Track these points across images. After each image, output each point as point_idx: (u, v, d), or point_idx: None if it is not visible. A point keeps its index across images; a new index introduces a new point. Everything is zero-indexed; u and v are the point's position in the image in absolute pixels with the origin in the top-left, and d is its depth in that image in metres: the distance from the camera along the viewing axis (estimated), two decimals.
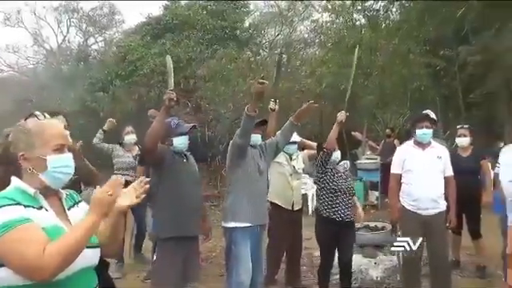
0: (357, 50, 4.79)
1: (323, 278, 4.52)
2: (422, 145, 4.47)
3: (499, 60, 11.46)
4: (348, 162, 10.85)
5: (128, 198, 1.80)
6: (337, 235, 4.34)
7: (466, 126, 5.64)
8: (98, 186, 1.77)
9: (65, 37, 25.90)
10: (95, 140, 6.15)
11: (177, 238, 3.48)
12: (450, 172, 4.49)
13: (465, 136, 5.46)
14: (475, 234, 5.39)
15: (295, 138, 4.95)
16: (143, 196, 1.77)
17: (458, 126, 5.78)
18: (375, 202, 9.75)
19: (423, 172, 4.36)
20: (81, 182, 3.38)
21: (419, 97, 14.57)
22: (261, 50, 19.15)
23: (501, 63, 11.50)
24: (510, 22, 11.45)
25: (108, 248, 1.84)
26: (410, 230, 4.40)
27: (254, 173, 3.84)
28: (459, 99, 14.35)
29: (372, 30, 13.82)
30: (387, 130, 11.49)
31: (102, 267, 1.88)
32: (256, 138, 3.94)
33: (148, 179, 1.83)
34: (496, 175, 4.67)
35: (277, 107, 4.67)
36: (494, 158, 4.94)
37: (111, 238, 1.80)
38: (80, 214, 1.80)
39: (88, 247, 1.66)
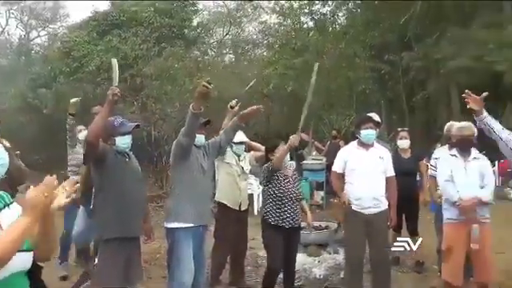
0: (316, 65, 4.79)
1: (270, 282, 4.53)
2: (365, 146, 4.58)
3: (438, 66, 12.02)
4: (294, 162, 10.98)
5: (58, 198, 1.71)
6: (284, 239, 4.39)
7: (406, 129, 5.88)
8: (31, 186, 1.67)
9: (3, 29, 24.73)
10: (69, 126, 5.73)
11: (120, 238, 3.40)
12: (391, 173, 4.63)
13: (406, 138, 5.69)
14: (413, 232, 5.61)
15: (242, 138, 4.97)
16: (74, 196, 1.69)
17: (398, 129, 6.01)
18: (320, 202, 9.95)
19: (366, 172, 4.47)
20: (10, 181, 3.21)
21: (364, 99, 15.00)
22: (209, 50, 19.07)
23: (440, 69, 12.07)
24: (448, 32, 12.06)
25: (39, 250, 1.76)
26: (352, 229, 4.53)
27: (198, 173, 3.82)
28: (403, 103, 14.92)
29: (319, 33, 14.12)
30: (333, 131, 11.74)
31: (34, 271, 1.80)
32: (200, 138, 3.92)
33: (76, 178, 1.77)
34: (431, 177, 4.92)
35: (237, 107, 4.68)
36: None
37: (41, 239, 1.72)
38: (12, 216, 1.71)
39: (20, 251, 1.58)
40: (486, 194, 4.12)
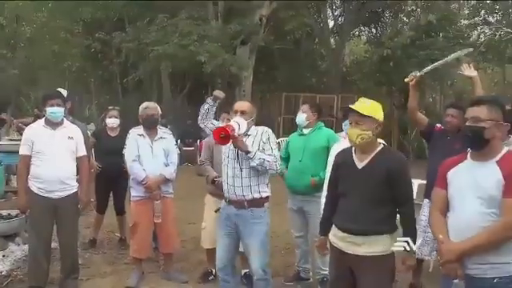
0: None
1: None
2: (53, 124, 4.23)
3: (149, 50, 12.45)
4: None
5: None
6: None
7: (116, 108, 5.76)
8: None
9: None
10: None
11: None
12: (82, 152, 4.40)
13: (115, 117, 5.53)
14: (120, 211, 5.65)
15: None
16: None
17: (109, 107, 5.88)
18: None
19: (53, 153, 4.14)
20: None
21: (76, 77, 14.42)
22: None
23: (150, 53, 12.51)
24: (157, 18, 12.58)
25: None
26: (38, 216, 4.17)
27: None
28: (117, 83, 14.91)
29: None
30: (35, 110, 10.72)
31: None
32: None
33: None
34: None
35: None
36: None
37: None
38: None
39: None
40: (170, 172, 4.41)
